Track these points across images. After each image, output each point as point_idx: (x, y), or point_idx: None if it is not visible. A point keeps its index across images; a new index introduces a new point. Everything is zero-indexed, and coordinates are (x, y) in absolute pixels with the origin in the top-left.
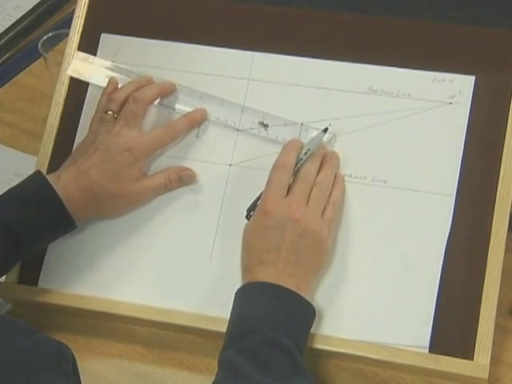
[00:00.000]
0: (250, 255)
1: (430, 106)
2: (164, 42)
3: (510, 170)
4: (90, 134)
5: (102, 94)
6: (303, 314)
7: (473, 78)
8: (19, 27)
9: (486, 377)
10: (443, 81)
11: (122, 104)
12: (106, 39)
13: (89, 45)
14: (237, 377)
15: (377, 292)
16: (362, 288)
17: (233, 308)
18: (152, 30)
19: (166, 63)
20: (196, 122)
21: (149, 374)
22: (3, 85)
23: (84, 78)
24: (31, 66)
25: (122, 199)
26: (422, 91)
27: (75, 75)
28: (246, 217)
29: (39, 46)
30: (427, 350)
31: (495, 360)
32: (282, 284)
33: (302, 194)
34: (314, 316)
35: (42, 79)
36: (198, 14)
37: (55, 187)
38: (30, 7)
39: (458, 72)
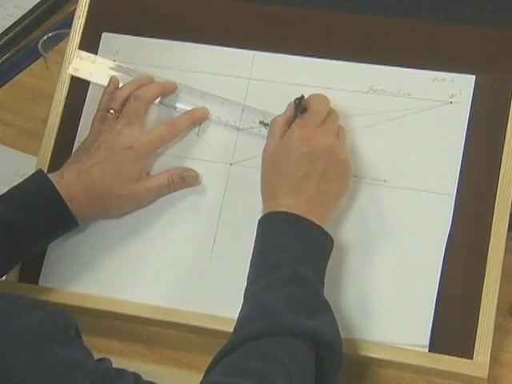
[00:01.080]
0: (281, 180)
1: (431, 106)
2: (165, 40)
3: (510, 170)
4: (91, 133)
5: (104, 93)
6: (325, 248)
7: (473, 77)
8: (19, 27)
9: (486, 376)
10: (443, 80)
11: (124, 103)
12: (106, 38)
13: (90, 44)
14: (265, 313)
15: (377, 291)
16: (361, 287)
17: (258, 237)
18: (153, 28)
19: (167, 62)
20: (197, 119)
21: (149, 373)
22: (3, 85)
23: (85, 76)
24: (31, 66)
25: (124, 198)
26: (422, 91)
27: (76, 74)
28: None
29: (39, 46)
30: (427, 349)
31: (495, 360)
32: (308, 215)
33: (334, 125)
34: (332, 247)
35: (42, 79)
36: (198, 13)
37: (57, 186)
38: (30, 7)
39: (458, 72)
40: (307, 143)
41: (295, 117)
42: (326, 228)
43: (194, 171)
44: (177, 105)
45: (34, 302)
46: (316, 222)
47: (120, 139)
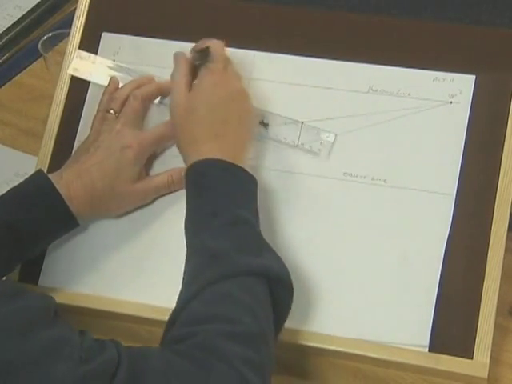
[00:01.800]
0: (201, 127)
1: (431, 106)
2: (165, 40)
3: (510, 170)
4: (91, 133)
5: (104, 93)
6: (254, 188)
7: (473, 77)
8: (19, 27)
9: (486, 376)
10: (443, 80)
11: (123, 103)
12: (106, 38)
13: (90, 44)
14: (216, 259)
15: (376, 291)
16: (361, 287)
17: (189, 188)
18: (153, 28)
19: (167, 62)
20: None
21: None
22: (3, 85)
23: (85, 76)
24: (31, 66)
25: (124, 198)
26: (422, 91)
27: (76, 74)
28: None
29: (39, 46)
30: (427, 349)
31: (495, 360)
32: (234, 160)
33: (234, 68)
34: (257, 186)
35: (42, 79)
36: (199, 13)
37: (57, 186)
38: (30, 7)
39: (458, 71)
40: (221, 88)
41: (198, 66)
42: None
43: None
44: None
45: (17, 289)
46: (240, 164)
47: (119, 139)
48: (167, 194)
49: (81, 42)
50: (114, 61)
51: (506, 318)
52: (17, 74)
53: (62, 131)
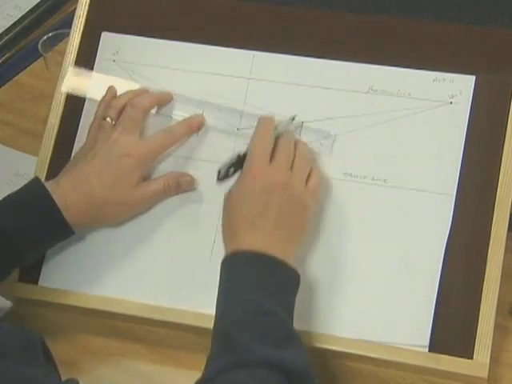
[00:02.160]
0: (237, 220)
1: (431, 106)
2: (165, 40)
3: (510, 169)
4: (88, 140)
5: (101, 102)
6: (291, 281)
7: (473, 77)
8: (19, 27)
9: (486, 376)
10: (443, 80)
11: (120, 111)
12: (106, 38)
13: (89, 44)
14: (232, 348)
15: (377, 291)
16: (361, 287)
17: (221, 278)
18: (153, 28)
19: (167, 62)
20: (194, 127)
21: (149, 373)
22: (3, 85)
23: (80, 93)
24: (31, 66)
25: (121, 206)
26: (422, 91)
27: (71, 91)
28: (218, 177)
29: (39, 46)
30: (427, 349)
31: (495, 360)
32: (271, 251)
33: (285, 160)
34: (299, 282)
35: (42, 79)
36: (198, 13)
37: (54, 195)
38: (30, 7)
39: (458, 72)
40: (258, 180)
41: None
42: (293, 262)
43: (189, 176)
44: (173, 114)
45: None
46: (279, 256)
47: (117, 147)
48: (164, 199)
49: (81, 41)
50: (114, 61)
51: (506, 318)
52: (17, 74)
53: (62, 131)
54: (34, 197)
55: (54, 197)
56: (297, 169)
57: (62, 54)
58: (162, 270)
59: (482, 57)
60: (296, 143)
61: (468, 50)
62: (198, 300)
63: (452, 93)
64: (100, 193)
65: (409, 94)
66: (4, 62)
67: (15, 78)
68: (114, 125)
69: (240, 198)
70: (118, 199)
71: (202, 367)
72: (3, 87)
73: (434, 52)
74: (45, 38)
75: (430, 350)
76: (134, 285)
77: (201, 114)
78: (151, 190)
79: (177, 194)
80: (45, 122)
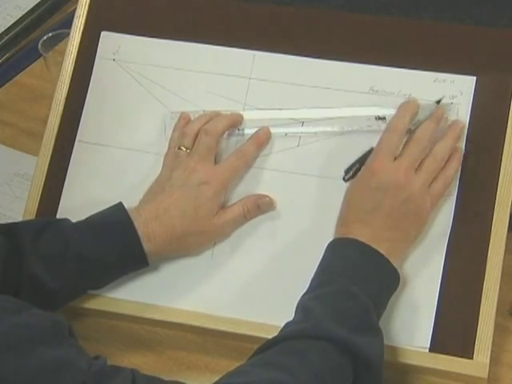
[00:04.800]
0: (349, 211)
1: (431, 107)
2: (165, 40)
3: (510, 169)
4: (164, 170)
5: (174, 129)
6: (387, 277)
7: (474, 78)
8: (19, 27)
9: (486, 376)
10: (444, 81)
11: (194, 138)
12: (106, 37)
13: (90, 43)
14: (307, 317)
15: None
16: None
17: (321, 260)
18: (153, 28)
19: (167, 62)
20: (262, 142)
21: (148, 373)
22: (3, 85)
23: None
24: (31, 66)
25: (204, 235)
26: (423, 91)
27: None
28: (343, 178)
29: (39, 46)
30: (427, 350)
31: (495, 360)
32: (374, 246)
33: (412, 159)
34: (398, 284)
35: (42, 79)
36: (199, 13)
37: (135, 223)
38: (30, 7)
39: (458, 72)
40: (375, 177)
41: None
42: (397, 262)
43: (268, 197)
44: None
45: (21, 305)
46: (383, 253)
47: (195, 175)
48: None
49: (81, 41)
50: (114, 60)
51: (506, 318)
52: (17, 73)
53: (62, 131)
54: (115, 222)
55: (136, 225)
56: (424, 171)
57: (62, 53)
58: (163, 270)
59: (482, 57)
60: (443, 135)
61: (468, 51)
62: (198, 300)
63: (452, 94)
64: (182, 224)
65: (409, 95)
66: (4, 62)
67: (15, 78)
68: (189, 153)
69: (355, 192)
70: (199, 229)
71: (203, 367)
72: (3, 87)
73: (435, 52)
74: (45, 38)
75: (430, 350)
76: (134, 285)
77: (266, 126)
78: (231, 216)
79: (256, 216)
80: (45, 121)
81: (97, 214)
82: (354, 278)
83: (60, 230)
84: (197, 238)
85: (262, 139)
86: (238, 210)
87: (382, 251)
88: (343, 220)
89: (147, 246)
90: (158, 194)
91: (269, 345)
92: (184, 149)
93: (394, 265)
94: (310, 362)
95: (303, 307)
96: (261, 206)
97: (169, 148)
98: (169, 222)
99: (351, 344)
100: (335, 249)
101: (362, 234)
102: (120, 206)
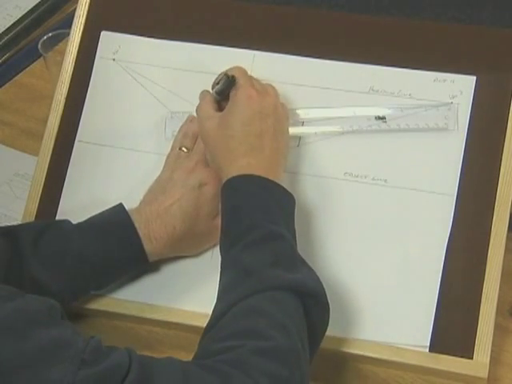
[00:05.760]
0: (237, 142)
1: (431, 106)
2: (165, 40)
3: (510, 169)
4: (165, 170)
5: (179, 131)
6: (290, 206)
7: (474, 78)
8: (19, 27)
9: (486, 376)
10: (444, 81)
11: (195, 139)
12: (106, 37)
13: (90, 43)
14: (247, 274)
15: (377, 291)
16: (362, 287)
17: (225, 202)
18: (153, 28)
19: (167, 62)
20: None
21: None
22: (3, 85)
23: None
24: (31, 66)
25: (204, 236)
26: (423, 91)
27: None
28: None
29: (39, 46)
30: (427, 349)
31: (495, 360)
32: (270, 175)
33: (265, 88)
34: (295, 205)
35: (42, 79)
36: (198, 13)
37: (136, 224)
38: (30, 7)
39: (458, 72)
40: (256, 102)
41: (226, 92)
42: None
43: None
44: None
45: (14, 292)
46: (275, 180)
47: (195, 176)
48: None
49: (81, 41)
50: (114, 60)
51: (506, 318)
52: (17, 73)
53: (62, 131)
54: (116, 223)
55: (137, 225)
56: (275, 96)
57: (62, 53)
58: (163, 270)
59: (482, 57)
60: None
61: (468, 50)
62: (198, 300)
63: (453, 93)
64: (182, 225)
65: (409, 95)
66: (4, 61)
67: (15, 78)
68: (189, 154)
69: (236, 123)
70: (200, 230)
71: None
72: (3, 87)
73: (435, 52)
74: (45, 38)
75: (430, 350)
76: (134, 285)
77: None
78: None
79: None
80: (45, 121)
81: (97, 215)
82: (270, 217)
83: (61, 232)
84: (197, 239)
85: None
86: None
87: (274, 178)
88: (229, 155)
89: (148, 247)
90: (159, 194)
91: (219, 315)
92: (185, 150)
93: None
94: (271, 316)
95: (236, 264)
96: None
97: (171, 148)
98: (170, 222)
99: (296, 282)
100: (238, 189)
101: (255, 165)
102: (120, 206)
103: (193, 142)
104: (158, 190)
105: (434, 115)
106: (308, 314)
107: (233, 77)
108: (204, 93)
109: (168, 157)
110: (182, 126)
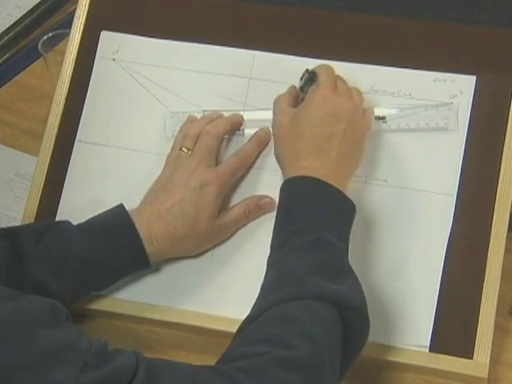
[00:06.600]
0: (304, 142)
1: (431, 106)
2: (165, 40)
3: (510, 169)
4: (165, 171)
5: (180, 131)
6: (349, 214)
7: (474, 78)
8: (19, 27)
9: (486, 376)
10: (444, 81)
11: (196, 139)
12: (106, 36)
13: (90, 43)
14: (288, 279)
15: (377, 291)
16: (362, 287)
17: (281, 202)
18: (153, 28)
19: (167, 61)
20: (263, 142)
21: None
22: (3, 85)
23: None
24: (31, 66)
25: (205, 237)
26: (423, 91)
27: None
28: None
29: (39, 46)
30: (427, 349)
31: (495, 360)
32: (333, 179)
33: (348, 90)
34: (355, 213)
35: (42, 79)
36: (199, 13)
37: (137, 225)
38: (30, 7)
39: (458, 72)
40: (330, 103)
41: (305, 89)
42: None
43: (269, 197)
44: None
45: (15, 293)
46: (337, 186)
47: (196, 177)
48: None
49: (81, 41)
50: (114, 59)
51: (506, 318)
52: (17, 73)
53: (62, 131)
54: (117, 224)
55: (138, 226)
56: (358, 101)
57: (62, 54)
58: (163, 269)
59: (482, 57)
60: None
61: (468, 50)
62: (198, 300)
63: (453, 93)
64: (183, 225)
65: (409, 95)
66: (4, 61)
67: (15, 78)
68: (190, 155)
69: (307, 121)
70: (201, 231)
71: None
72: (3, 87)
73: (435, 52)
74: (45, 38)
75: (430, 350)
76: (134, 285)
77: (266, 126)
78: (232, 218)
79: (258, 217)
80: (45, 121)
81: (98, 216)
82: (322, 223)
83: (61, 233)
84: (198, 240)
85: (263, 140)
86: (239, 211)
87: (338, 184)
88: (294, 154)
89: (149, 248)
90: (160, 194)
91: (254, 316)
92: (185, 150)
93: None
94: (302, 326)
95: (281, 266)
96: (262, 207)
97: (172, 149)
98: (171, 223)
99: (336, 294)
100: (296, 191)
101: (318, 167)
102: (121, 207)
103: (193, 142)
104: (158, 190)
105: (433, 115)
106: (347, 327)
107: (313, 73)
108: (289, 87)
109: (168, 157)
110: (182, 127)
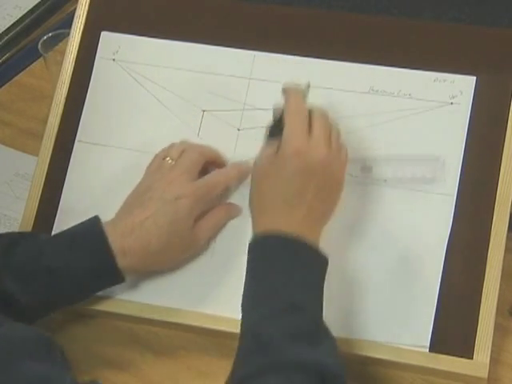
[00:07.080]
0: (272, 196)
1: (431, 106)
2: (165, 40)
3: (510, 169)
4: (144, 179)
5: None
6: (320, 271)
7: (474, 78)
8: (19, 27)
9: (486, 376)
10: (444, 81)
11: (181, 151)
12: (106, 37)
13: (90, 43)
14: (263, 348)
15: (377, 291)
16: (362, 287)
17: (250, 263)
18: (153, 28)
19: (167, 62)
20: (243, 173)
21: (148, 373)
22: (3, 85)
23: None
24: (31, 66)
25: (182, 248)
26: (423, 91)
27: None
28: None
29: (39, 46)
30: (427, 349)
31: (495, 360)
32: (304, 233)
33: (325, 136)
34: (327, 267)
35: (42, 79)
36: (198, 13)
37: (110, 238)
38: (30, 7)
39: (458, 72)
40: (303, 158)
41: (276, 134)
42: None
43: (234, 205)
44: None
45: (1, 318)
46: (309, 239)
47: (173, 188)
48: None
49: (81, 41)
50: (114, 60)
51: (506, 318)
52: (17, 73)
53: (62, 131)
54: (87, 235)
55: (110, 240)
56: (335, 145)
57: (62, 54)
58: (162, 270)
59: (482, 57)
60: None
61: (468, 50)
62: (198, 300)
63: (453, 93)
64: (157, 240)
65: (409, 95)
66: (4, 61)
67: (15, 78)
68: (173, 166)
69: (279, 175)
70: (177, 243)
71: (202, 367)
72: (3, 87)
73: (435, 52)
74: (45, 38)
75: (430, 350)
76: (134, 285)
77: (249, 162)
78: (205, 230)
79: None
80: (45, 121)
81: (73, 226)
82: (294, 286)
83: (34, 243)
84: (173, 253)
85: (244, 170)
86: (211, 222)
87: (310, 237)
88: (262, 206)
89: (122, 262)
90: (135, 207)
91: None
92: (169, 160)
93: (321, 248)
94: None
95: (253, 333)
96: (231, 214)
97: (155, 157)
98: (145, 237)
99: (316, 363)
100: (264, 252)
101: (287, 223)
102: (96, 219)
103: (178, 152)
104: (134, 202)
105: (433, 115)
106: None
107: (280, 121)
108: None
109: (150, 166)
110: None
